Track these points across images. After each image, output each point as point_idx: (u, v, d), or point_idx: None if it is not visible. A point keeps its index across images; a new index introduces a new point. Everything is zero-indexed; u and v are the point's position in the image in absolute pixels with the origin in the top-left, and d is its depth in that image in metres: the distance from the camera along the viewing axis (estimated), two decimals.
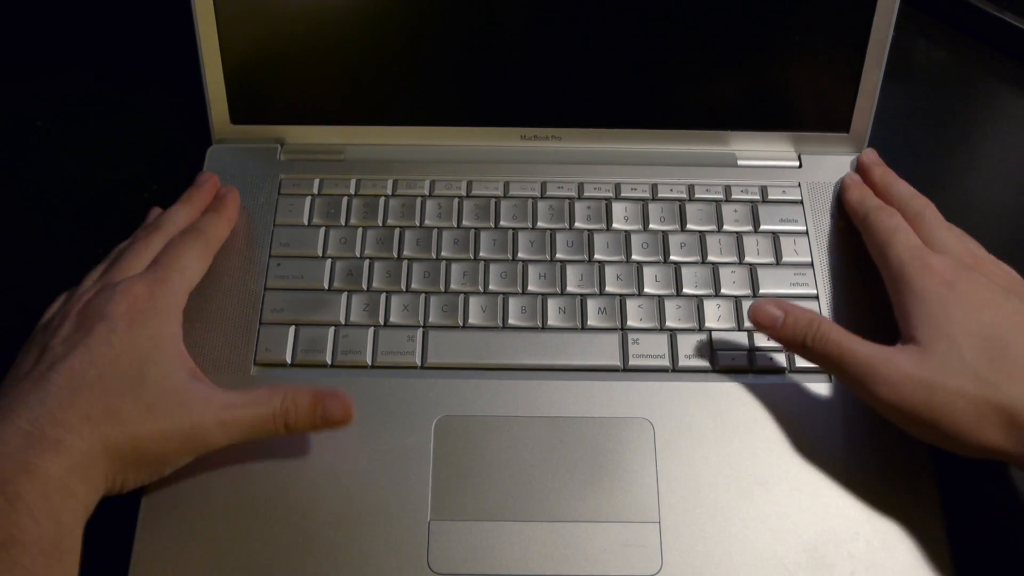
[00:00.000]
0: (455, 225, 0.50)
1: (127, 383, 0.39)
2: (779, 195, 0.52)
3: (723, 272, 0.49)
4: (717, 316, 0.48)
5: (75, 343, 0.40)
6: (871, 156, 0.51)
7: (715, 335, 0.47)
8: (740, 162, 0.53)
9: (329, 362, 0.46)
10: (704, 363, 0.46)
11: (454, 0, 0.49)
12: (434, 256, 0.49)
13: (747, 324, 0.47)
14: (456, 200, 0.51)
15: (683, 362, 0.46)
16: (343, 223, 0.50)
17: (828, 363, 0.42)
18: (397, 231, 0.50)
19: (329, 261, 0.49)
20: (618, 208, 0.51)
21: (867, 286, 0.48)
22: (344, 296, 0.48)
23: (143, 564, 0.41)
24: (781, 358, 0.46)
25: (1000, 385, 0.38)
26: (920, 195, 0.48)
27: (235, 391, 0.41)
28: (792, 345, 0.43)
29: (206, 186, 0.50)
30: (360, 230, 0.50)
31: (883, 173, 0.50)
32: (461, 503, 0.42)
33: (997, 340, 0.39)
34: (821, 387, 0.46)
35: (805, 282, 0.49)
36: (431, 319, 0.47)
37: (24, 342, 0.43)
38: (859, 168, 0.52)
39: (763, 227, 0.50)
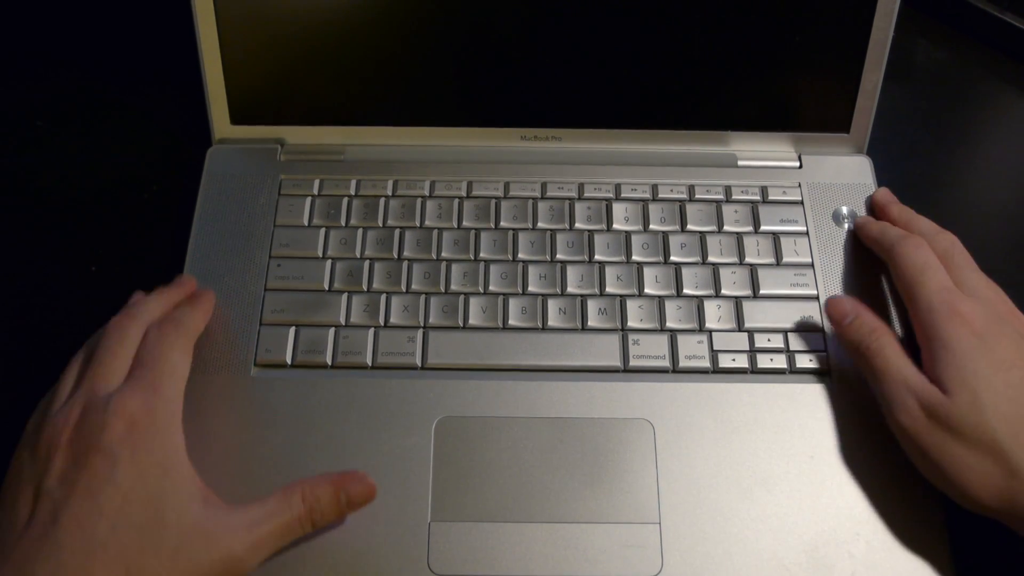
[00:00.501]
0: (455, 226, 0.50)
1: (144, 532, 0.36)
2: (779, 195, 0.52)
3: (723, 273, 0.49)
4: (717, 317, 0.48)
5: (74, 484, 0.36)
6: (886, 195, 0.50)
7: (715, 336, 0.47)
8: (740, 162, 0.53)
9: (329, 363, 0.46)
10: (704, 364, 0.46)
11: (454, 1, 0.49)
12: (434, 257, 0.49)
13: (747, 324, 0.47)
14: (456, 201, 0.51)
15: (683, 363, 0.46)
16: (343, 224, 0.50)
17: (871, 375, 0.42)
18: (397, 232, 0.50)
19: (329, 262, 0.49)
20: (618, 209, 0.51)
21: (867, 287, 0.48)
22: (344, 297, 0.48)
23: None
24: (781, 359, 0.46)
25: (1014, 451, 0.38)
26: (944, 231, 0.47)
27: (251, 504, 0.39)
28: (849, 345, 0.44)
29: (184, 285, 0.46)
30: (360, 231, 0.50)
31: (901, 210, 0.49)
32: (461, 504, 0.42)
33: (1020, 404, 0.39)
34: (821, 388, 0.46)
35: (805, 282, 0.49)
36: (431, 320, 0.47)
37: (9, 468, 0.38)
38: (874, 206, 0.50)
39: (763, 227, 0.50)
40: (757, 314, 0.48)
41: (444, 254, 0.49)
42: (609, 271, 0.49)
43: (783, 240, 0.50)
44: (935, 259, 0.44)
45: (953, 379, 0.39)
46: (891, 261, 0.45)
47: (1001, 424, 0.38)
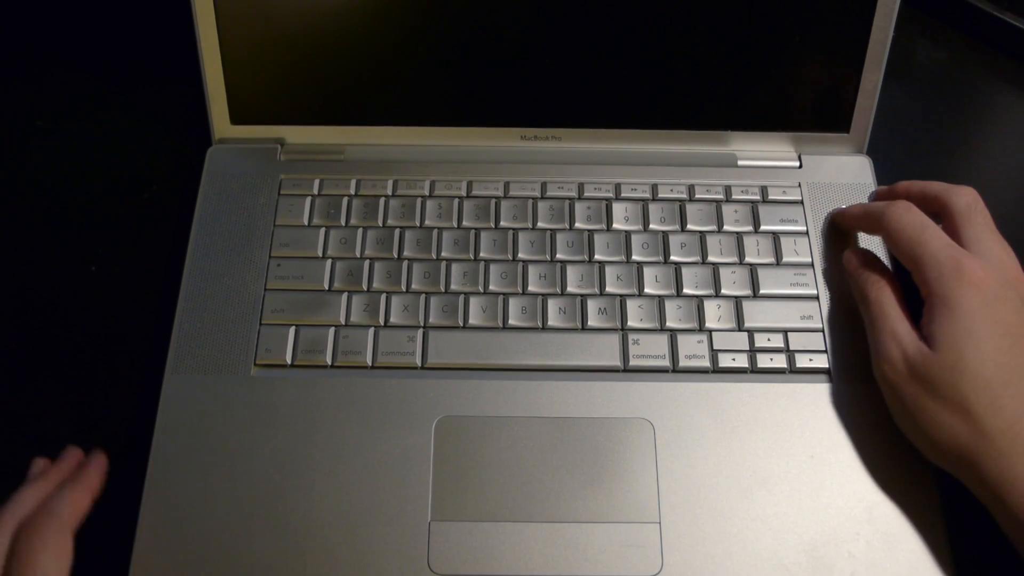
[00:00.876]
0: (455, 225, 0.50)
1: None
2: (779, 195, 0.52)
3: (723, 272, 0.49)
4: (717, 316, 0.48)
5: None
6: (883, 188, 0.50)
7: (715, 335, 0.47)
8: (740, 162, 0.53)
9: (329, 363, 0.46)
10: (704, 363, 0.46)
11: (454, 0, 0.49)
12: (434, 256, 0.49)
13: (747, 324, 0.47)
14: (456, 200, 0.51)
15: (683, 362, 0.46)
16: (343, 223, 0.50)
17: (867, 324, 0.44)
18: (397, 231, 0.50)
19: (329, 261, 0.49)
20: (618, 208, 0.51)
21: None
22: (344, 296, 0.48)
23: (143, 564, 0.41)
24: (781, 359, 0.46)
25: (986, 416, 0.38)
26: (963, 186, 0.45)
27: None
28: (855, 293, 0.46)
29: (65, 461, 0.43)
30: (360, 230, 0.50)
31: (909, 183, 0.48)
32: (461, 503, 0.42)
33: (1005, 369, 0.39)
34: (821, 388, 0.46)
35: (805, 282, 0.49)
36: (431, 319, 0.47)
37: None
38: (879, 196, 0.50)
39: (763, 227, 0.50)
40: (757, 314, 0.48)
41: (444, 254, 0.49)
42: (609, 271, 0.49)
43: (783, 240, 0.50)
44: (929, 219, 0.43)
45: (943, 337, 0.40)
46: (885, 229, 0.44)
47: (978, 387, 0.39)
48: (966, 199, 0.44)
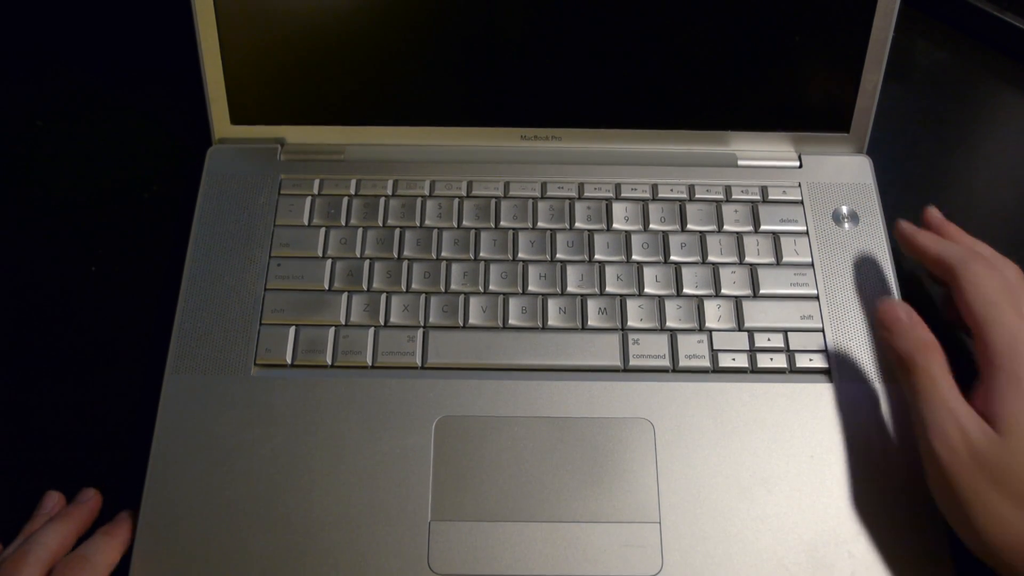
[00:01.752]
0: (455, 225, 0.50)
1: None
2: (779, 195, 0.52)
3: (723, 272, 0.49)
4: (717, 316, 0.48)
5: None
6: (938, 214, 0.47)
7: (715, 335, 0.47)
8: (740, 162, 0.53)
9: (329, 363, 0.46)
10: (704, 363, 0.46)
11: (455, 0, 0.49)
12: (434, 256, 0.49)
13: (747, 324, 0.47)
14: (456, 200, 0.51)
15: (683, 362, 0.46)
16: (343, 223, 0.50)
17: (912, 393, 0.39)
18: (397, 231, 0.50)
19: (329, 261, 0.49)
20: (618, 208, 0.51)
21: (866, 287, 0.48)
22: (344, 296, 0.48)
23: (143, 564, 0.41)
24: (781, 359, 0.46)
25: None
26: (1007, 259, 0.43)
27: None
28: (895, 355, 0.41)
29: (87, 504, 0.43)
30: (360, 230, 0.50)
31: (962, 233, 0.45)
32: (461, 503, 0.42)
33: None
34: (821, 388, 0.46)
35: (805, 282, 0.49)
36: (431, 319, 0.47)
37: None
38: (928, 224, 0.47)
39: (763, 227, 0.50)
40: (757, 314, 0.48)
41: (444, 254, 0.49)
42: (609, 271, 0.49)
43: (783, 240, 0.50)
44: (1008, 286, 0.40)
45: (1015, 419, 0.36)
46: (960, 281, 0.41)
47: None
48: (1010, 277, 0.42)
